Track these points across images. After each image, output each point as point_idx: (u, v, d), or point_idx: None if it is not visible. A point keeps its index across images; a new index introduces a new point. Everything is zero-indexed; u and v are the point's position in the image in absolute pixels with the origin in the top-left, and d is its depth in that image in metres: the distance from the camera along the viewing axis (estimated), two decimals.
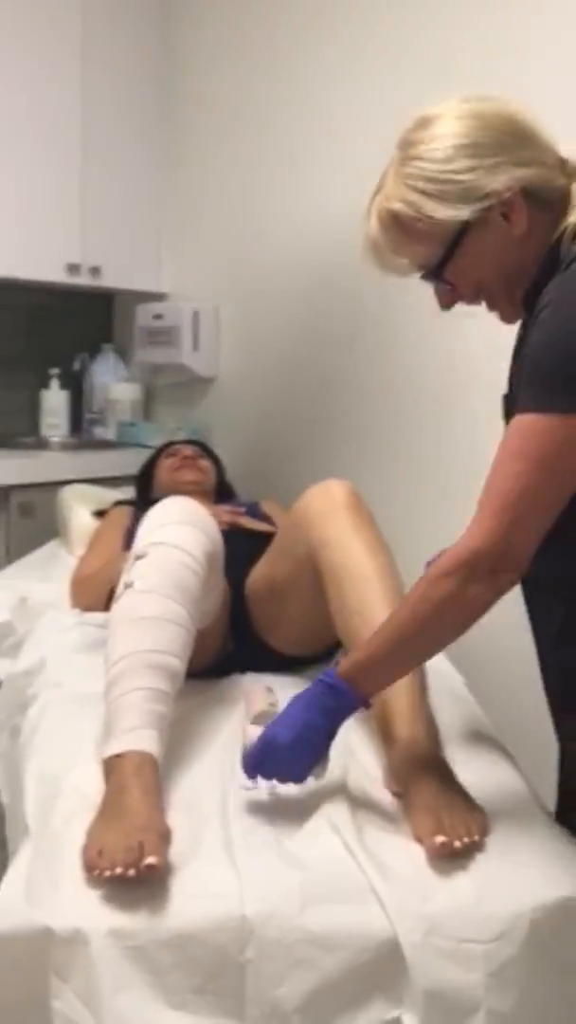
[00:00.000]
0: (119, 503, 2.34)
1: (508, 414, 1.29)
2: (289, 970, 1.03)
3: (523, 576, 1.15)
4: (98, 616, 1.89)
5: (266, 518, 2.12)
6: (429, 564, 1.33)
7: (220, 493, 2.33)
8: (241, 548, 1.74)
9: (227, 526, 1.83)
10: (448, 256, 1.17)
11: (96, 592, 1.94)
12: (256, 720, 1.45)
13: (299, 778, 1.22)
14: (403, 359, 2.37)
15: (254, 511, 2.15)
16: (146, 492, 2.35)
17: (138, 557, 1.43)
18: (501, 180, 1.13)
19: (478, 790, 1.24)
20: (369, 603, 1.41)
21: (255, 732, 1.26)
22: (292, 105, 2.62)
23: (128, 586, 1.39)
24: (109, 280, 2.96)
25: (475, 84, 2.05)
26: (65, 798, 1.24)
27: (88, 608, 1.95)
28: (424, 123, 1.17)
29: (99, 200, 2.90)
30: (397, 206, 1.16)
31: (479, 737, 1.43)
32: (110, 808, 1.15)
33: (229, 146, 2.84)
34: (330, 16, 2.48)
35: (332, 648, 1.73)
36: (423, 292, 2.25)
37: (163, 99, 3.01)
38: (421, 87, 2.23)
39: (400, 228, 1.17)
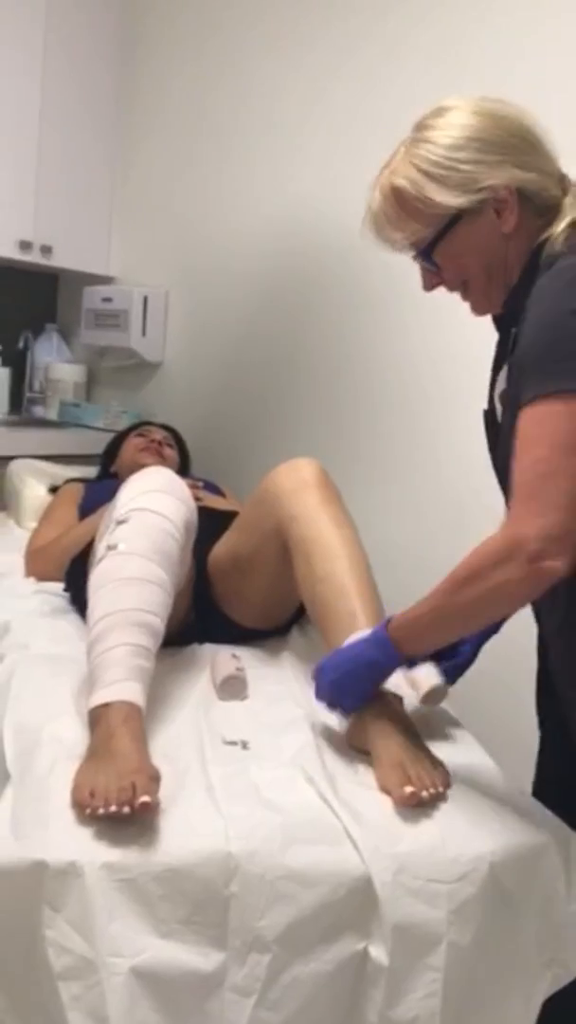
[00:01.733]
0: (71, 480, 2.37)
1: (489, 427, 1.36)
2: (270, 904, 1.10)
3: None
4: (55, 585, 1.94)
5: (223, 495, 2.19)
6: None
7: None
8: (203, 524, 1.80)
9: None
10: (438, 239, 1.24)
11: (52, 562, 1.98)
12: (223, 684, 1.52)
13: (345, 710, 1.34)
14: (354, 350, 2.46)
15: (210, 486, 2.22)
16: (108, 465, 2.40)
17: (119, 522, 1.48)
18: (500, 177, 1.21)
19: (439, 752, 1.33)
20: (337, 572, 1.50)
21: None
22: (251, 95, 2.69)
23: (111, 548, 1.45)
24: (59, 260, 2.98)
25: (444, 81, 2.18)
26: (46, 747, 1.29)
27: (43, 577, 1.99)
28: (441, 111, 1.25)
29: (54, 180, 2.93)
30: (401, 182, 1.23)
31: (437, 708, 1.53)
32: (99, 753, 1.21)
33: (185, 133, 2.90)
34: (296, 9, 2.56)
35: (290, 622, 1.81)
36: (373, 282, 2.39)
37: (121, 82, 3.05)
38: (383, 83, 2.35)
39: (400, 204, 1.25)
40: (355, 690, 1.32)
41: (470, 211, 1.22)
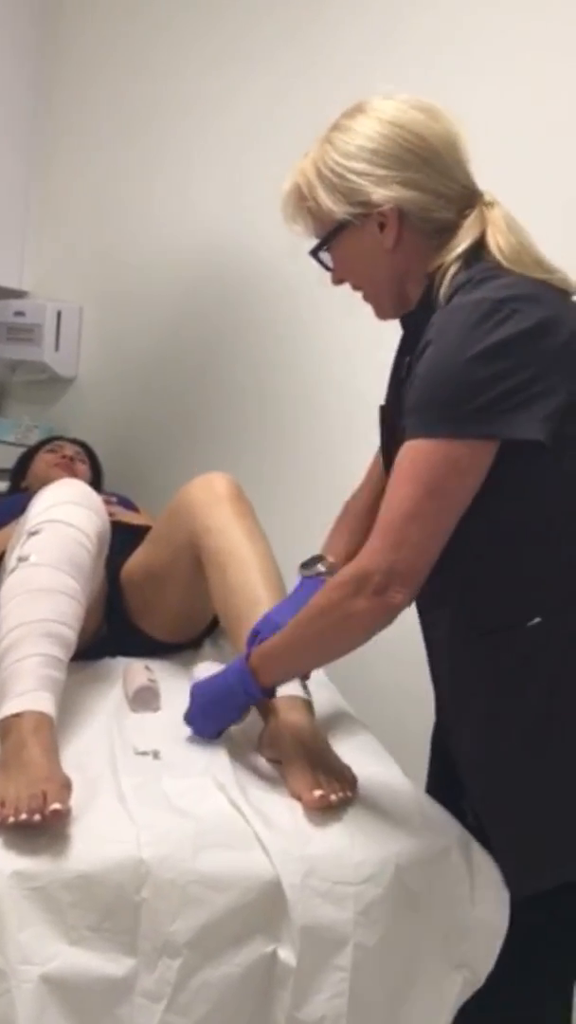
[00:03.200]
0: None
1: (384, 422, 1.40)
2: (181, 908, 1.11)
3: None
4: None
5: (136, 510, 2.19)
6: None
7: None
8: (117, 538, 1.81)
9: None
10: (325, 241, 1.27)
11: None
12: (136, 695, 1.53)
13: (206, 736, 1.40)
14: (268, 372, 2.50)
15: (124, 501, 2.22)
16: (18, 480, 2.38)
17: (31, 533, 1.48)
18: (381, 194, 1.21)
19: (347, 758, 1.36)
20: (250, 584, 1.52)
21: (203, 671, 1.45)
22: (171, 109, 2.70)
23: (22, 560, 1.44)
24: None
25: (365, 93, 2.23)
26: None
27: None
28: (354, 112, 1.25)
29: None
30: (299, 179, 1.27)
31: (343, 717, 1.57)
32: (10, 763, 1.20)
33: (102, 146, 2.88)
34: (214, 20, 2.57)
35: (203, 635, 1.83)
36: (285, 306, 2.44)
37: (37, 93, 3.01)
38: (302, 97, 2.39)
39: (298, 199, 1.28)
40: (217, 716, 1.38)
41: (352, 223, 1.24)
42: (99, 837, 1.14)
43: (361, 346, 2.31)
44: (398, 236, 1.23)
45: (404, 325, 1.33)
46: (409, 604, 1.18)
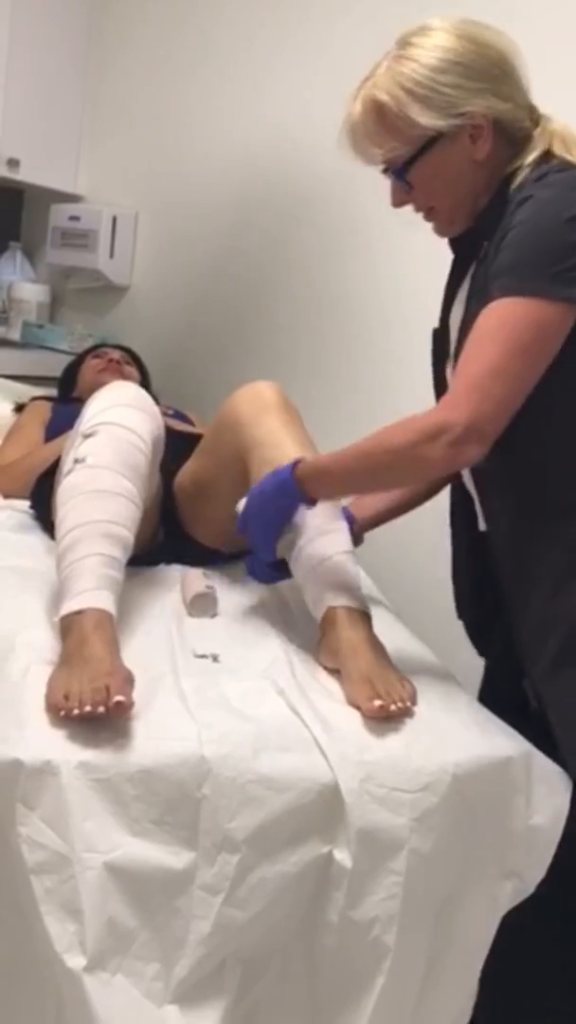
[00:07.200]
0: (37, 398, 2.34)
1: (437, 346, 1.41)
2: (240, 806, 1.12)
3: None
4: (21, 502, 1.92)
5: (191, 424, 2.18)
6: None
7: None
8: (171, 446, 1.79)
9: None
10: (414, 158, 1.26)
11: (18, 480, 1.96)
12: (193, 601, 1.53)
13: (263, 548, 1.42)
14: (324, 276, 2.46)
15: (180, 416, 2.21)
16: (68, 390, 2.36)
17: (87, 436, 1.47)
18: (479, 104, 1.24)
19: (405, 669, 1.36)
20: None
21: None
22: (234, 14, 2.62)
23: (79, 461, 1.43)
24: (26, 174, 2.90)
25: (417, 7, 2.14)
26: (19, 654, 1.29)
27: (9, 495, 1.97)
28: (425, 30, 1.26)
29: (22, 93, 2.83)
30: (383, 97, 1.25)
31: (398, 631, 1.56)
32: (72, 658, 1.21)
33: (162, 50, 2.82)
34: None
35: None
36: (343, 209, 2.37)
37: None
38: (363, 13, 2.31)
39: (379, 118, 1.26)
40: (264, 520, 1.40)
41: (447, 135, 1.24)
42: (161, 734, 1.15)
43: (418, 258, 2.24)
44: (491, 148, 1.25)
45: (476, 227, 1.32)
46: (476, 462, 1.21)
